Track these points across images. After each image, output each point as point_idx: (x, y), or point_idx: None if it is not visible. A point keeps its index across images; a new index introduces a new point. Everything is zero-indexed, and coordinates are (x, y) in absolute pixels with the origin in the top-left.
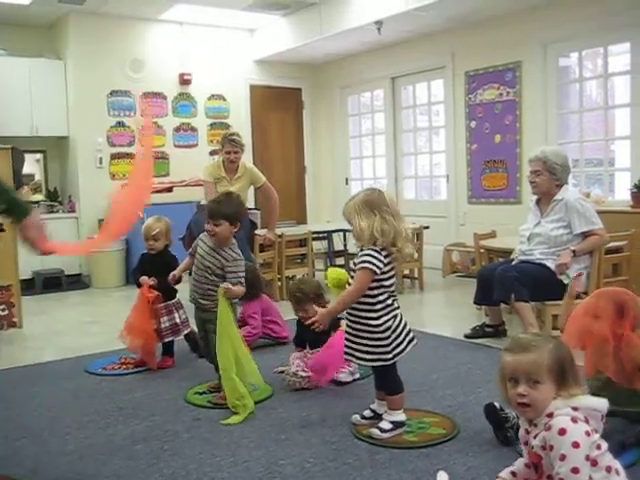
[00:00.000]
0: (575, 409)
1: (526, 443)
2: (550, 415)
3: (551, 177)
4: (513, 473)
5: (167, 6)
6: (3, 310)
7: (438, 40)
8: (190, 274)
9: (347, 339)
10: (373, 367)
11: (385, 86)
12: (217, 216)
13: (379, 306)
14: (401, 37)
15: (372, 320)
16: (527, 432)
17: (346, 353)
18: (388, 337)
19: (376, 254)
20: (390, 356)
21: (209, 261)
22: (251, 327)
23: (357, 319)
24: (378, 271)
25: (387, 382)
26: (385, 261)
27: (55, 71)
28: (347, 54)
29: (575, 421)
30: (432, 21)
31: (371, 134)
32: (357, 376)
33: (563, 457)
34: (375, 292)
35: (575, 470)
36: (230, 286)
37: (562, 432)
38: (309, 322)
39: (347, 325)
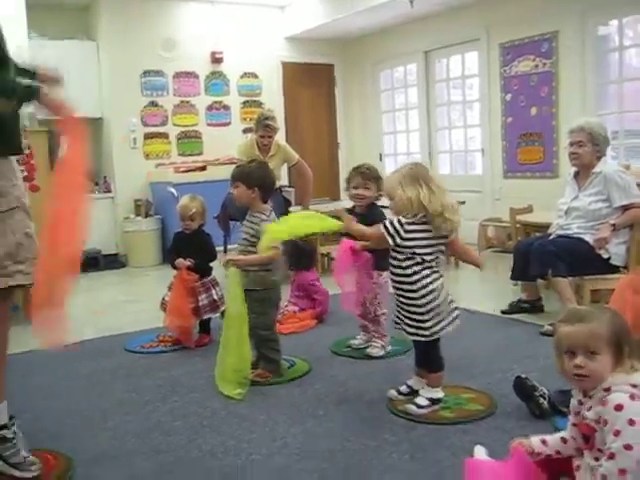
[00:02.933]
0: (634, 386)
1: (577, 413)
2: (607, 390)
3: (594, 149)
4: (543, 441)
5: None
6: None
7: (471, 12)
8: (225, 251)
9: (396, 308)
10: (414, 341)
11: (418, 60)
12: (234, 178)
13: (417, 281)
14: (434, 10)
15: (412, 293)
16: (580, 403)
17: (396, 322)
18: (428, 312)
19: (398, 225)
20: (428, 333)
21: (244, 230)
22: (318, 295)
23: (401, 292)
24: (390, 240)
25: (428, 359)
26: (409, 236)
27: (88, 53)
28: (379, 28)
29: (633, 398)
30: None
31: (404, 109)
32: (389, 349)
33: (617, 432)
34: (409, 263)
35: (628, 447)
36: (235, 256)
37: (618, 408)
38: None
39: (395, 294)
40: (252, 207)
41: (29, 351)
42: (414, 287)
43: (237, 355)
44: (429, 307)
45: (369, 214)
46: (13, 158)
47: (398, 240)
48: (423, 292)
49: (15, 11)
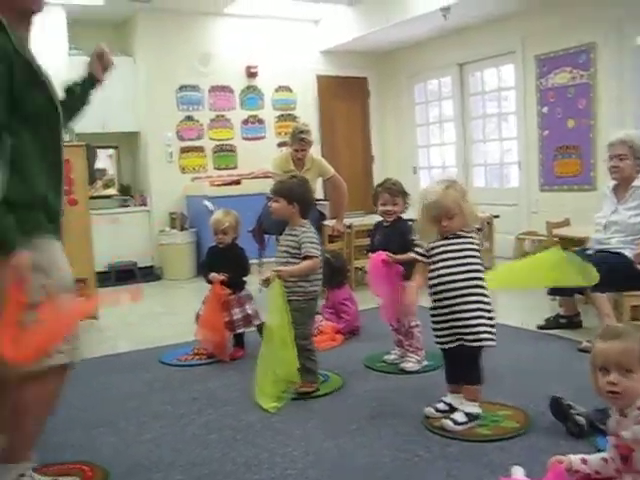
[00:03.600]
0: None
1: (616, 435)
2: None
3: (635, 162)
4: (583, 460)
5: None
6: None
7: (506, 24)
8: (259, 265)
9: (444, 319)
10: (465, 350)
11: (453, 73)
12: (275, 192)
13: (483, 286)
14: (468, 22)
15: (486, 297)
16: (617, 423)
17: (443, 336)
18: (489, 312)
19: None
20: (486, 335)
21: (284, 243)
22: (346, 315)
23: (467, 297)
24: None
25: (471, 370)
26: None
27: (125, 68)
28: (413, 41)
29: None
30: (500, 5)
31: (439, 122)
32: (424, 363)
33: None
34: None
35: None
36: (283, 268)
37: None
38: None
39: (443, 305)
40: (291, 222)
41: None
42: (474, 291)
43: (282, 365)
44: (488, 307)
45: (396, 228)
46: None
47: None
48: (478, 296)
49: (56, 27)
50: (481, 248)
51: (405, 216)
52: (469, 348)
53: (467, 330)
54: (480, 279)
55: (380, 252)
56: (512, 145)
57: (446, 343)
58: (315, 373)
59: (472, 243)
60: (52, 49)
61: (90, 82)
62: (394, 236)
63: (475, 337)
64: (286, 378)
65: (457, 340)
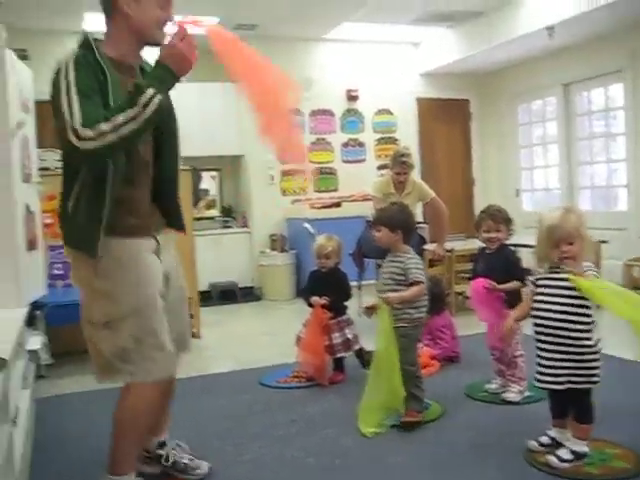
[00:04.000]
0: None
1: None
2: None
3: None
4: None
5: (334, 25)
6: None
7: (614, 41)
8: (359, 288)
9: (547, 357)
10: (576, 391)
11: (557, 93)
12: (377, 222)
13: (588, 323)
14: (573, 41)
15: (587, 341)
16: None
17: (546, 375)
18: (595, 353)
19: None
20: (597, 378)
21: (388, 270)
22: (443, 342)
23: (567, 339)
24: None
25: (583, 408)
26: None
27: (230, 93)
28: (516, 62)
29: None
30: (607, 22)
31: (542, 143)
32: (527, 394)
33: None
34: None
35: None
36: (391, 294)
37: None
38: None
39: (547, 345)
40: (394, 248)
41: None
42: (591, 334)
43: (388, 392)
44: (597, 348)
45: (500, 255)
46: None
47: None
48: (591, 334)
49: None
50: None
51: (509, 242)
52: (578, 389)
53: (579, 372)
54: (584, 317)
55: (481, 279)
56: (620, 167)
57: (552, 383)
58: (422, 402)
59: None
60: None
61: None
62: (497, 264)
63: (587, 379)
64: (391, 406)
65: (566, 382)
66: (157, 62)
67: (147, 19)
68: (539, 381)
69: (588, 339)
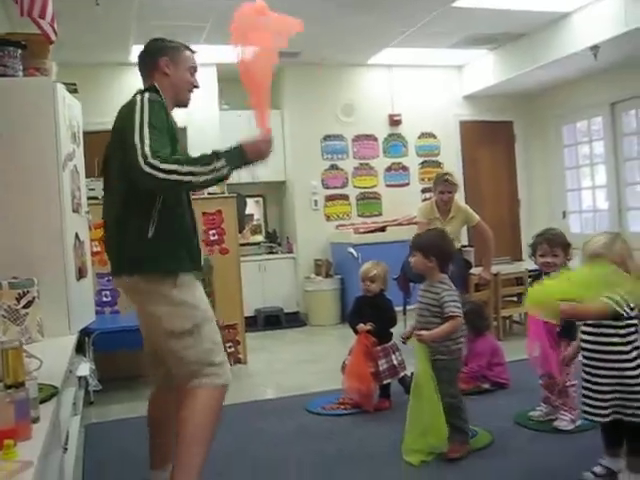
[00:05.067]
0: None
1: None
2: None
3: None
4: None
5: (376, 51)
6: (230, 347)
7: None
8: (404, 313)
9: (599, 391)
10: (625, 423)
11: (604, 113)
12: (412, 246)
13: (636, 353)
14: (619, 60)
15: (632, 371)
16: None
17: (598, 407)
18: None
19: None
20: None
21: (424, 300)
22: (476, 364)
23: (617, 370)
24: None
25: (635, 442)
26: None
27: (273, 120)
28: (560, 82)
29: None
30: None
31: (589, 164)
32: (579, 423)
33: None
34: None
35: None
36: (424, 333)
37: None
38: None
39: (591, 377)
40: (429, 277)
41: None
42: (629, 358)
43: (431, 430)
44: None
45: None
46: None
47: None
48: (637, 364)
49: (209, 85)
50: None
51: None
52: (630, 422)
53: (627, 404)
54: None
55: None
56: None
57: (600, 416)
58: (466, 433)
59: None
60: (205, 105)
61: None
62: None
63: (634, 411)
64: (435, 444)
65: (614, 413)
66: (240, 144)
67: (182, 81)
68: (585, 412)
69: (634, 369)
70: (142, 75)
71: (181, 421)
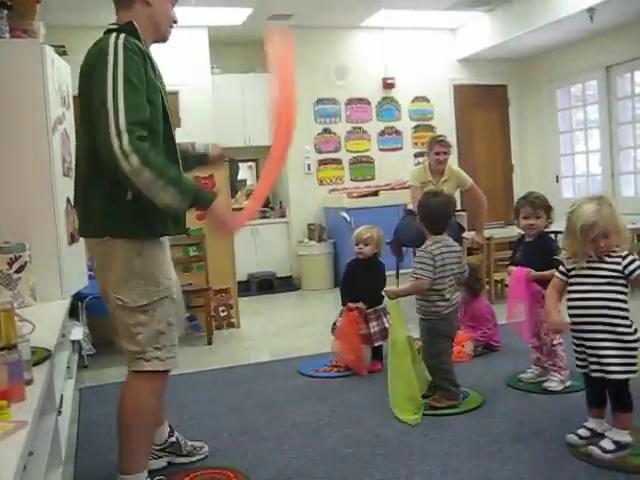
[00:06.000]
0: None
1: None
2: None
3: None
4: None
5: (369, 13)
6: (223, 311)
7: None
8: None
9: (579, 345)
10: (611, 381)
11: (599, 76)
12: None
13: (626, 313)
14: (615, 22)
15: (625, 328)
16: None
17: (581, 359)
18: (637, 347)
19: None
20: (635, 367)
21: (414, 260)
22: (486, 327)
23: (606, 327)
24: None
25: (622, 398)
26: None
27: (264, 83)
28: (555, 45)
29: None
30: None
31: (583, 128)
32: (569, 383)
33: None
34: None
35: None
36: (391, 288)
37: None
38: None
39: (588, 330)
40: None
41: (212, 370)
42: (627, 320)
43: (406, 383)
44: (636, 337)
45: (539, 245)
46: (168, 251)
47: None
48: (629, 323)
49: (199, 48)
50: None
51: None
52: (609, 379)
53: (618, 361)
54: (621, 309)
55: (522, 268)
56: None
57: (582, 367)
58: (451, 391)
59: (619, 264)
60: (196, 68)
61: (197, 161)
62: (537, 253)
63: (626, 369)
64: (411, 395)
65: (592, 371)
66: (208, 193)
67: (163, 13)
68: (576, 364)
69: (627, 326)
70: (117, 3)
71: (120, 401)
